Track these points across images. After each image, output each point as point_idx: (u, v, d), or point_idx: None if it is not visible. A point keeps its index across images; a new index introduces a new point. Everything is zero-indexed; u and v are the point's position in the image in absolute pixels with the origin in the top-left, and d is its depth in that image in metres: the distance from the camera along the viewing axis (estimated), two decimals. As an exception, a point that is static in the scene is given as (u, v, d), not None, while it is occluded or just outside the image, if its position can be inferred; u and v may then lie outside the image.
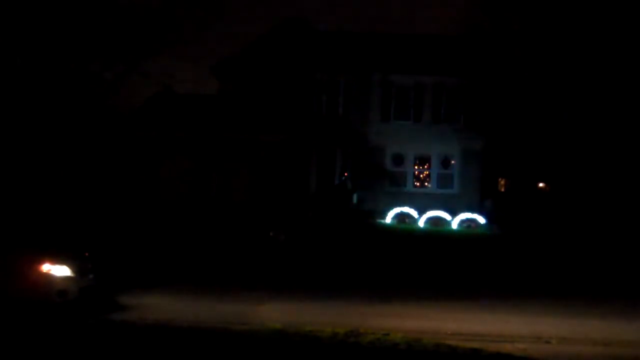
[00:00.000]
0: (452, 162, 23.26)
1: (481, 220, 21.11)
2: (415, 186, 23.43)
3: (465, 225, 20.61)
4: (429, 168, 23.41)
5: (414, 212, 21.17)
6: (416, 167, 23.48)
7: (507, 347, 7.18)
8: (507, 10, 20.07)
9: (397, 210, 21.51)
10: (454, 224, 20.70)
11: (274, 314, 8.96)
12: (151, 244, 13.96)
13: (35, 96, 16.19)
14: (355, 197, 21.99)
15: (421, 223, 20.90)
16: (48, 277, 8.59)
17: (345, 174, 23.10)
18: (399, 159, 23.35)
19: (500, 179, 25.81)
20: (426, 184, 23.49)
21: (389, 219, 21.25)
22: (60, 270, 8.67)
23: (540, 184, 25.45)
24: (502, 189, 25.97)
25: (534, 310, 9.88)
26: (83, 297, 8.79)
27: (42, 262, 8.64)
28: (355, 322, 8.12)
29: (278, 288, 11.09)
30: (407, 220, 21.17)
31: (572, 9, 19.29)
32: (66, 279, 8.70)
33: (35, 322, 7.45)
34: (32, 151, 16.68)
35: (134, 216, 17.60)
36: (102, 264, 9.54)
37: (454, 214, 20.87)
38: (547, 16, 19.35)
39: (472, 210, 21.26)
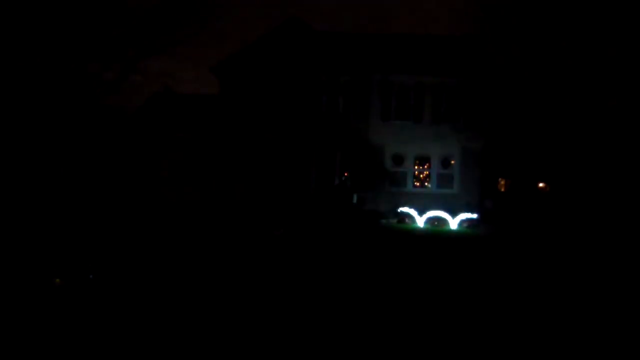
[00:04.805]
0: (452, 162, 23.29)
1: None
2: (415, 186, 23.48)
3: (465, 225, 20.59)
4: (429, 168, 23.44)
5: (414, 212, 21.20)
6: (416, 167, 23.51)
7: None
8: (507, 10, 20.09)
9: (397, 210, 21.62)
10: (454, 224, 20.69)
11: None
12: (150, 244, 13.95)
13: (35, 96, 16.21)
14: (355, 197, 22.02)
15: (421, 223, 20.91)
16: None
17: (346, 174, 23.12)
18: (399, 159, 23.38)
19: (500, 179, 25.84)
20: (426, 184, 23.53)
21: (389, 218, 21.32)
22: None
23: (540, 184, 25.48)
24: (502, 189, 26.00)
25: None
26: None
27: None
28: None
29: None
30: (407, 220, 21.19)
31: (571, 8, 19.30)
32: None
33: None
34: (32, 151, 16.70)
35: (133, 217, 17.62)
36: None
37: (454, 214, 20.86)
38: (547, 15, 19.35)
39: (472, 211, 21.25)
